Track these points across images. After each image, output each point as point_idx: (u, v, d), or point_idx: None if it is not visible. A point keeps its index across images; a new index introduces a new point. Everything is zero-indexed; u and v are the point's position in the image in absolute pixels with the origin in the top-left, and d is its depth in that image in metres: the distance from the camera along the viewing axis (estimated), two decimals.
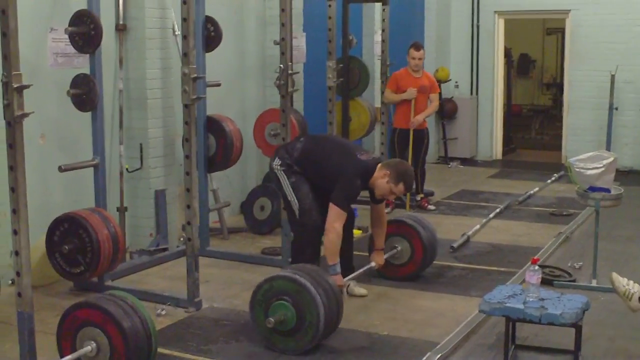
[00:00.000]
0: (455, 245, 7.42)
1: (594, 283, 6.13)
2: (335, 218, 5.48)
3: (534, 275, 4.65)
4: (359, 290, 6.06)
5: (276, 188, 5.99)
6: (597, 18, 12.03)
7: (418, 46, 9.04)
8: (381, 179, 5.59)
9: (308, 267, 5.06)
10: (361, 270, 5.99)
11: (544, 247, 7.30)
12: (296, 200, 5.68)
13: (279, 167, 5.78)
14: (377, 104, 9.90)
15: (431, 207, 9.26)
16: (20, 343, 4.26)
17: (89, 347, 4.27)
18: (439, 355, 4.73)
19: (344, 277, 5.83)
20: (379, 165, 5.64)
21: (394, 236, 6.38)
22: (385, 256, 6.28)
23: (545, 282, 5.78)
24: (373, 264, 6.09)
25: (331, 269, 5.51)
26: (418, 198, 9.19)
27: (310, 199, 5.68)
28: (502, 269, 6.76)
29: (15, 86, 4.00)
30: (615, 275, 5.16)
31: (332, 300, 4.88)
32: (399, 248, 6.37)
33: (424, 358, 4.72)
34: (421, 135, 9.10)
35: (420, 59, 8.99)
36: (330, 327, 4.92)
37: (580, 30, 12.22)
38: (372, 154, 5.81)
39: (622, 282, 5.04)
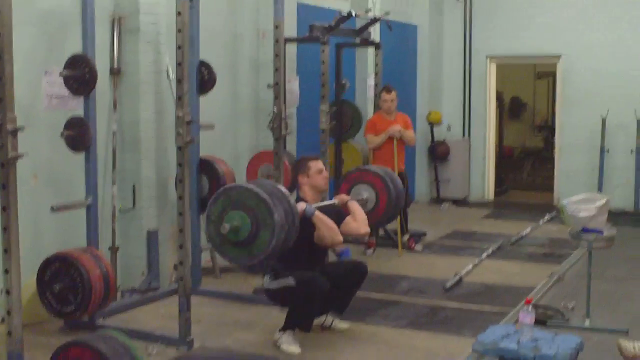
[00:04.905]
0: (448, 285, 7.42)
1: (587, 323, 6.12)
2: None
3: (527, 316, 4.66)
4: (341, 324, 6.08)
5: (280, 305, 5.94)
6: (587, 63, 12.09)
7: (389, 89, 9.04)
8: (306, 184, 5.88)
9: (269, 185, 5.19)
10: (322, 203, 5.95)
11: (537, 287, 7.29)
12: (293, 280, 5.60)
13: (269, 280, 5.77)
14: None
15: (418, 247, 9.22)
16: None
17: None
18: None
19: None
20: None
21: (360, 184, 6.67)
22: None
23: (539, 322, 5.76)
24: (335, 201, 6.16)
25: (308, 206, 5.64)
26: (405, 239, 9.15)
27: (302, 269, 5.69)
28: (495, 309, 6.75)
29: (9, 129, 4.05)
30: (621, 341, 5.19)
31: (290, 219, 5.04)
32: (365, 196, 6.60)
33: None
34: (402, 177, 9.03)
35: (392, 100, 9.01)
36: (284, 244, 5.08)
37: (571, 75, 12.31)
38: None
39: (629, 346, 5.06)
